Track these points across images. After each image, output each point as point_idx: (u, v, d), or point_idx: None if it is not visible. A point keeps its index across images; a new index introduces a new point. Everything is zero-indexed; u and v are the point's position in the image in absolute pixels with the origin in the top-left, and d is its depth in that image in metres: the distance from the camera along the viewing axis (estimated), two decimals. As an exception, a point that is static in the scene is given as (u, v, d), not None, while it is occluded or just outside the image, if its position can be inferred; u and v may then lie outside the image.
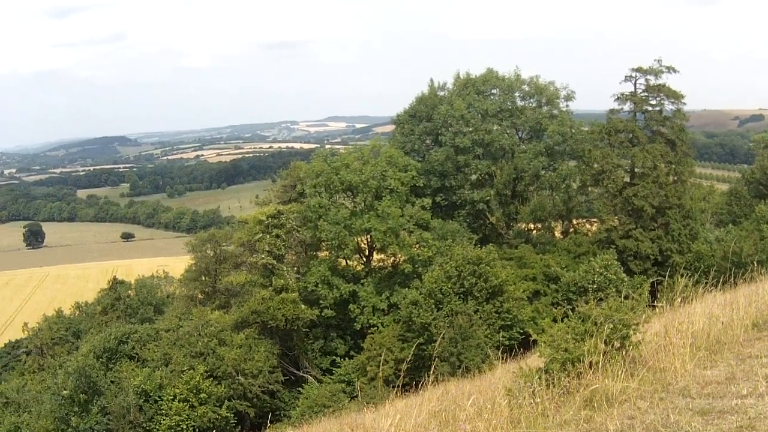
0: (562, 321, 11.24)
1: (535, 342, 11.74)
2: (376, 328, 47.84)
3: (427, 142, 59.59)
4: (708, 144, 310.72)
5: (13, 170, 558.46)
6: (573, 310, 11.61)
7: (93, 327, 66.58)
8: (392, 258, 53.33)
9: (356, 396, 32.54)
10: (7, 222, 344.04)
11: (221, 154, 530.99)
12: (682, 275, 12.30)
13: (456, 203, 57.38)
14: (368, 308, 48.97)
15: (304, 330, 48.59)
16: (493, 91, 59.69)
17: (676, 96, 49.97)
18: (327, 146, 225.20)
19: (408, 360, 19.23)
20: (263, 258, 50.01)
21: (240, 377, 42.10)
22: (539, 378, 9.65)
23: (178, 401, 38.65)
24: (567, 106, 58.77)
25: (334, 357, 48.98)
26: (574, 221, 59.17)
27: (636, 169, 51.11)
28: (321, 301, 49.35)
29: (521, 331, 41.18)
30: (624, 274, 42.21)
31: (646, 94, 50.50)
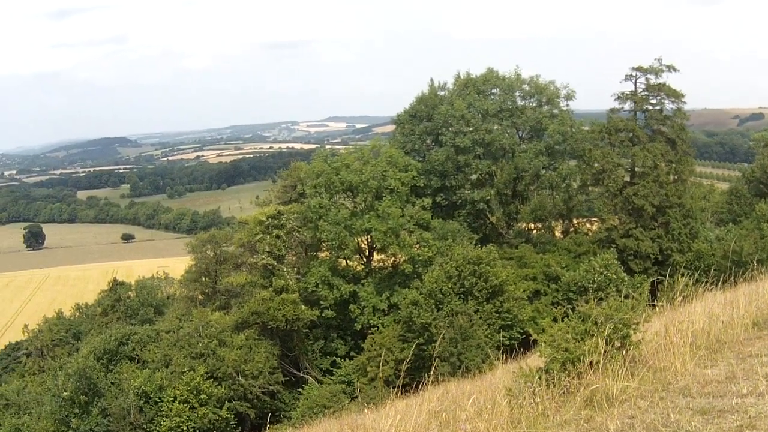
0: (563, 321, 11.22)
1: (535, 342, 11.73)
2: (376, 328, 47.82)
3: (428, 142, 59.59)
4: (708, 143, 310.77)
5: (14, 171, 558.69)
6: (573, 309, 11.59)
7: (93, 328, 66.62)
8: (392, 258, 53.30)
9: (356, 396, 32.52)
10: (8, 223, 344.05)
11: (221, 155, 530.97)
12: (682, 274, 12.28)
13: (456, 203, 57.36)
14: (368, 308, 48.95)
15: (304, 331, 48.54)
16: (493, 91, 59.67)
17: (676, 95, 49.98)
18: (327, 146, 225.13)
19: (408, 360, 19.24)
20: (263, 259, 50.05)
21: (240, 378, 42.08)
22: (539, 378, 9.64)
23: (179, 402, 38.65)
24: (567, 105, 58.84)
25: (334, 357, 48.96)
26: (575, 221, 59.17)
27: (636, 169, 51.12)
28: (321, 302, 49.32)
29: (521, 330, 41.18)
30: (624, 274, 42.18)
31: (646, 93, 50.51)
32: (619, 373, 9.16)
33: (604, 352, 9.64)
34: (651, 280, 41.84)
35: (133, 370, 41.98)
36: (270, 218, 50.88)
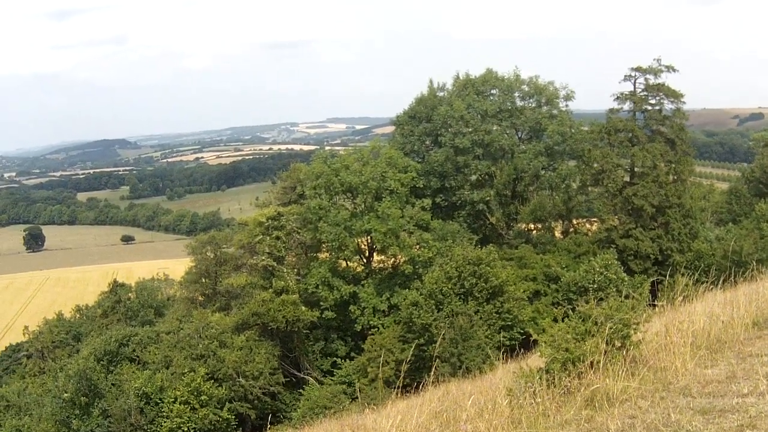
0: (563, 321, 11.23)
1: (535, 342, 11.73)
2: (376, 329, 47.81)
3: (427, 142, 59.57)
4: (708, 143, 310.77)
5: (13, 174, 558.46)
6: (573, 309, 11.59)
7: (93, 330, 66.57)
8: (392, 259, 53.31)
9: (357, 397, 32.53)
10: (8, 225, 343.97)
11: (221, 156, 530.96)
12: (682, 274, 12.28)
13: (456, 204, 57.33)
14: (369, 309, 48.95)
15: (304, 332, 48.53)
16: (492, 92, 59.66)
17: (675, 95, 49.99)
18: (327, 148, 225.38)
19: (408, 361, 19.24)
20: (263, 260, 50.07)
21: (241, 379, 42.07)
22: (540, 378, 9.64)
23: (179, 403, 38.64)
24: (567, 105, 58.81)
25: (334, 358, 48.97)
26: (574, 221, 59.17)
27: (636, 169, 51.14)
28: (321, 303, 49.33)
29: (522, 331, 41.18)
30: (624, 274, 42.16)
31: (645, 93, 50.53)
32: (620, 373, 9.17)
33: (605, 352, 9.65)
34: (651, 280, 41.95)
35: (133, 372, 41.99)
36: (270, 219, 50.90)
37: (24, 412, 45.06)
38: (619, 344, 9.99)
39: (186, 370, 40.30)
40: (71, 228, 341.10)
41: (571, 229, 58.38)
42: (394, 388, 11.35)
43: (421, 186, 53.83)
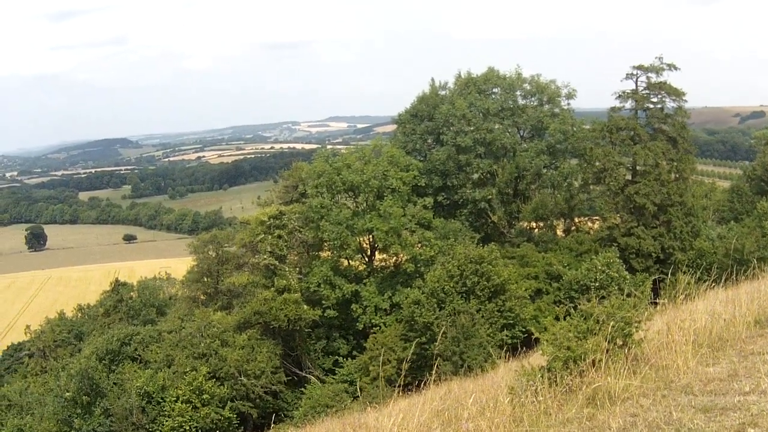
0: (565, 319, 11.23)
1: (537, 340, 11.74)
2: (378, 327, 47.85)
3: (429, 141, 59.56)
4: (709, 141, 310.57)
5: (15, 173, 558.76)
6: (575, 308, 11.59)
7: (95, 329, 66.66)
8: (394, 258, 53.36)
9: (358, 396, 32.54)
10: (9, 225, 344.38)
11: (223, 155, 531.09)
12: (684, 272, 12.28)
13: (458, 202, 57.33)
14: (370, 308, 48.99)
15: (306, 330, 48.58)
16: (494, 90, 59.65)
17: (677, 93, 49.91)
18: (328, 146, 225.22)
19: (410, 359, 19.23)
20: (265, 259, 50.08)
21: (243, 378, 42.10)
22: (542, 376, 9.64)
23: (181, 402, 38.69)
24: (568, 104, 58.81)
25: (336, 357, 49.03)
26: (576, 219, 59.12)
27: (637, 167, 51.08)
28: (323, 302, 49.38)
29: (523, 329, 41.18)
30: (626, 272, 42.13)
31: (647, 91, 50.45)
32: (622, 371, 9.16)
33: (607, 350, 9.65)
34: (653, 278, 42.05)
35: (135, 371, 42.03)
36: (272, 218, 50.90)
37: (26, 412, 45.02)
38: (621, 342, 9.99)
39: (188, 369, 40.34)
40: (73, 227, 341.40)
41: (573, 228, 58.34)
42: (396, 386, 11.31)
43: (423, 184, 53.84)
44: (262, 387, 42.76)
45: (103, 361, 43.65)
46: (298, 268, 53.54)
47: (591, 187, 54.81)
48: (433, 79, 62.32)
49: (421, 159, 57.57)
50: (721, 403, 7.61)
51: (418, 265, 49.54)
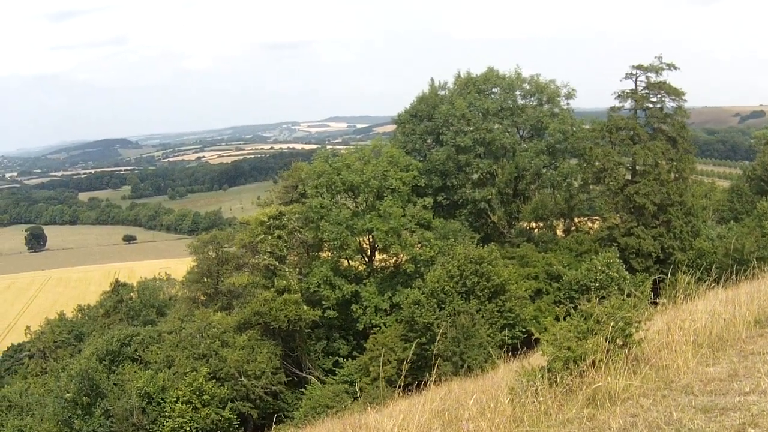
0: (565, 319, 11.22)
1: (537, 341, 11.73)
2: (378, 328, 47.86)
3: (429, 141, 59.58)
4: (709, 141, 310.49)
5: (15, 174, 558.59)
6: (575, 308, 11.59)
7: (95, 330, 66.69)
8: (394, 258, 53.37)
9: (358, 396, 32.54)
10: (9, 225, 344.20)
11: (222, 156, 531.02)
12: (684, 272, 12.27)
13: (457, 202, 57.35)
14: (370, 308, 49.00)
15: (306, 331, 48.56)
16: (493, 90, 59.68)
17: (676, 93, 49.91)
18: (328, 147, 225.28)
19: (410, 360, 19.23)
20: (265, 259, 50.10)
21: (243, 379, 42.10)
22: (542, 377, 9.64)
23: (181, 403, 38.69)
24: (568, 104, 58.87)
25: (336, 357, 49.02)
26: (576, 219, 59.14)
27: (637, 167, 51.09)
28: (323, 302, 49.37)
29: (524, 329, 41.17)
30: (626, 272, 42.17)
31: (646, 91, 50.46)
32: (622, 371, 9.16)
33: (607, 350, 9.65)
34: (653, 278, 42.03)
35: (135, 371, 42.03)
36: (271, 219, 50.91)
37: (26, 413, 45.03)
38: (621, 343, 9.99)
39: (188, 370, 40.34)
40: (73, 228, 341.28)
41: (573, 228, 58.36)
42: (396, 387, 11.30)
43: (423, 185, 53.85)
44: (262, 387, 42.75)
45: (104, 362, 43.66)
46: (298, 269, 53.55)
47: (591, 187, 54.83)
48: (432, 79, 62.45)
49: (421, 159, 57.59)
50: (721, 404, 7.61)
51: (418, 266, 49.56)
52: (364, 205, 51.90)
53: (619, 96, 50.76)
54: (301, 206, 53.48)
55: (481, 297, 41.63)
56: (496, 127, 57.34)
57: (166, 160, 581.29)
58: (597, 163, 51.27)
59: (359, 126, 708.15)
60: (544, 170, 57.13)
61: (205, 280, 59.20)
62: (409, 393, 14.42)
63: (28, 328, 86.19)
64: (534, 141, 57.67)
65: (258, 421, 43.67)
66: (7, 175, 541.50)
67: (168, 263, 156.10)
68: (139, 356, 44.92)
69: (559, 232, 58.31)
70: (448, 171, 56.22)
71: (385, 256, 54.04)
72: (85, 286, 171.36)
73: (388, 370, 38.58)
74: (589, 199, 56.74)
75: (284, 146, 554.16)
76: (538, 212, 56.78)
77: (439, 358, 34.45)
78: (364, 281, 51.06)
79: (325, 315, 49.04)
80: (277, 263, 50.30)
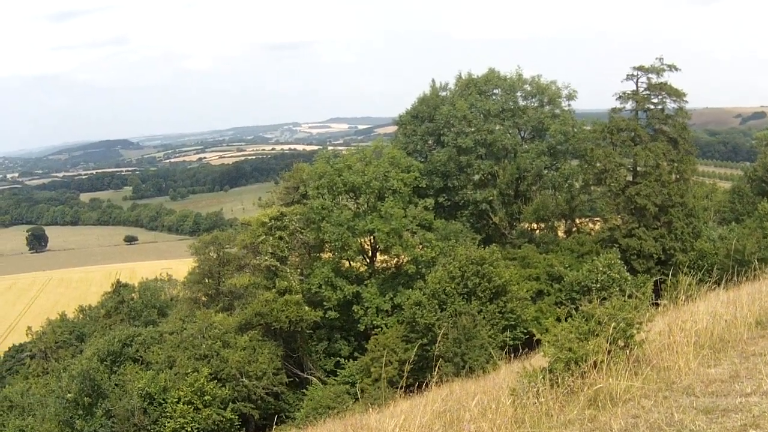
0: (566, 320, 11.22)
1: (539, 342, 11.73)
2: (379, 329, 47.86)
3: (430, 142, 59.64)
4: (710, 142, 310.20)
5: (16, 174, 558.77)
6: (577, 309, 11.59)
7: (97, 330, 66.62)
8: (395, 259, 53.35)
9: (359, 398, 32.54)
10: (11, 226, 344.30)
11: (224, 157, 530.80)
12: (685, 274, 12.28)
13: (459, 203, 57.38)
14: (372, 309, 48.99)
15: (307, 332, 48.59)
16: (495, 91, 59.72)
17: (677, 94, 49.89)
18: (329, 148, 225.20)
19: (412, 361, 19.25)
20: (266, 260, 50.10)
21: (244, 379, 42.13)
22: (543, 378, 9.65)
23: (183, 404, 38.75)
24: (569, 105, 58.93)
25: (338, 358, 49.04)
26: (577, 220, 59.09)
27: (638, 168, 51.08)
28: (325, 303, 49.37)
29: (525, 330, 41.21)
30: (627, 273, 42.17)
31: (648, 92, 50.45)
32: (623, 372, 9.17)
33: (608, 351, 9.65)
34: (654, 279, 41.88)
35: (137, 372, 42.09)
36: (273, 220, 50.93)
37: (27, 413, 45.10)
38: (623, 344, 9.99)
39: (189, 371, 40.39)
40: (74, 228, 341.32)
41: (574, 229, 58.32)
42: (398, 388, 11.32)
43: (424, 186, 53.88)
44: (263, 388, 42.79)
45: (105, 363, 43.72)
46: (299, 270, 53.56)
47: (592, 188, 54.85)
48: (433, 80, 62.56)
49: (422, 160, 57.62)
50: (722, 405, 7.62)
51: (420, 267, 49.56)
52: (366, 206, 51.89)
53: (620, 97, 50.78)
54: (303, 207, 53.49)
55: (483, 298, 41.65)
56: (497, 128, 57.41)
57: (168, 161, 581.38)
58: (598, 164, 51.25)
59: (360, 127, 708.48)
60: (546, 171, 57.16)
61: (207, 280, 59.18)
62: (411, 394, 14.43)
63: (29, 328, 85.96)
64: (535, 142, 57.70)
65: (259, 422, 43.71)
66: (9, 176, 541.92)
67: (169, 264, 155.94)
68: (141, 357, 44.98)
69: (561, 233, 58.28)
70: (449, 172, 56.25)
71: (386, 257, 54.03)
72: (87, 287, 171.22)
73: (389, 371, 38.58)
74: (590, 200, 56.74)
75: (285, 147, 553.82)
76: (540, 213, 56.76)
77: (440, 359, 34.48)
78: (366, 282, 51.07)
79: (327, 316, 49.06)
80: (278, 264, 50.31)
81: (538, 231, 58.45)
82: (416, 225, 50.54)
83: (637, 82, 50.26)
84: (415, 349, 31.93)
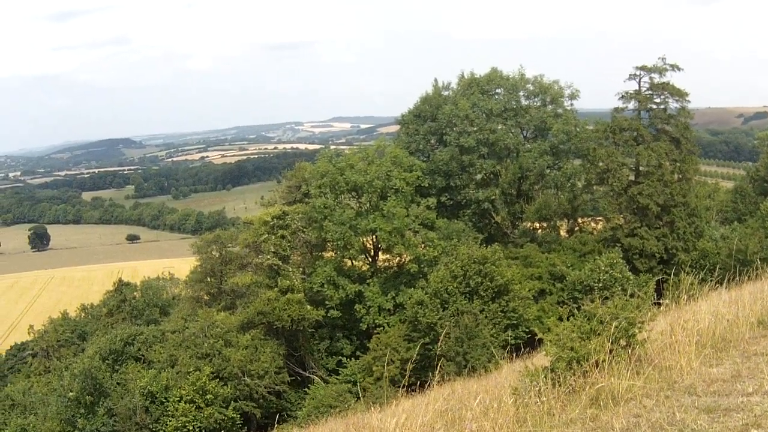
0: (568, 320, 11.22)
1: (541, 341, 11.73)
2: (382, 328, 47.80)
3: (432, 141, 59.62)
4: (712, 141, 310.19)
5: (18, 173, 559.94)
6: (579, 308, 11.59)
7: (99, 329, 66.67)
8: (398, 258, 53.29)
9: (361, 397, 32.56)
10: (13, 225, 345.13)
11: (226, 156, 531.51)
12: (687, 273, 12.27)
13: (461, 203, 57.37)
14: (374, 308, 48.96)
15: (309, 330, 48.60)
16: (497, 91, 59.68)
17: (680, 94, 49.83)
18: (332, 147, 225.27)
19: (414, 360, 19.26)
20: (269, 259, 50.08)
21: (246, 378, 42.15)
22: (545, 377, 9.65)
23: (185, 402, 38.74)
24: (571, 104, 58.86)
25: (340, 357, 48.98)
26: (580, 220, 59.04)
27: (641, 168, 51.03)
28: (327, 302, 49.34)
29: (527, 330, 41.15)
30: (629, 273, 42.17)
31: (650, 92, 50.39)
32: (625, 371, 9.17)
33: (610, 351, 9.65)
34: (656, 279, 41.86)
35: (138, 371, 42.08)
36: (275, 218, 50.93)
37: (29, 411, 45.11)
38: (625, 343, 9.99)
39: (191, 369, 40.39)
40: (76, 227, 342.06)
41: (577, 228, 58.26)
42: (400, 387, 11.35)
43: (426, 185, 53.85)
44: (265, 387, 42.81)
45: (107, 361, 43.72)
46: (301, 269, 53.52)
47: (594, 187, 54.83)
48: (436, 80, 62.52)
49: (425, 159, 57.60)
50: (724, 404, 7.63)
51: (422, 266, 49.52)
52: (368, 205, 51.86)
53: (622, 97, 50.72)
54: (305, 206, 53.47)
55: (485, 297, 41.63)
56: (499, 127, 57.37)
57: (170, 159, 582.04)
58: (600, 164, 51.24)
59: (363, 126, 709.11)
60: (548, 171, 57.11)
61: (209, 279, 59.16)
62: (413, 393, 14.45)
63: (31, 327, 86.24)
64: (537, 141, 57.63)
65: (261, 421, 43.70)
66: (11, 175, 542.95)
67: (171, 263, 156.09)
68: (143, 355, 44.97)
69: (563, 233, 58.24)
70: (451, 171, 56.25)
71: (388, 256, 53.96)
72: (89, 286, 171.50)
73: (391, 370, 38.54)
74: (592, 200, 56.74)
75: (288, 146, 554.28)
76: (542, 213, 56.74)
77: (442, 358, 34.44)
78: (368, 281, 51.02)
79: (329, 315, 49.03)
80: (280, 263, 50.30)
81: (540, 230, 58.43)
82: (418, 224, 50.51)
83: (639, 81, 50.22)
84: (417, 348, 31.87)
